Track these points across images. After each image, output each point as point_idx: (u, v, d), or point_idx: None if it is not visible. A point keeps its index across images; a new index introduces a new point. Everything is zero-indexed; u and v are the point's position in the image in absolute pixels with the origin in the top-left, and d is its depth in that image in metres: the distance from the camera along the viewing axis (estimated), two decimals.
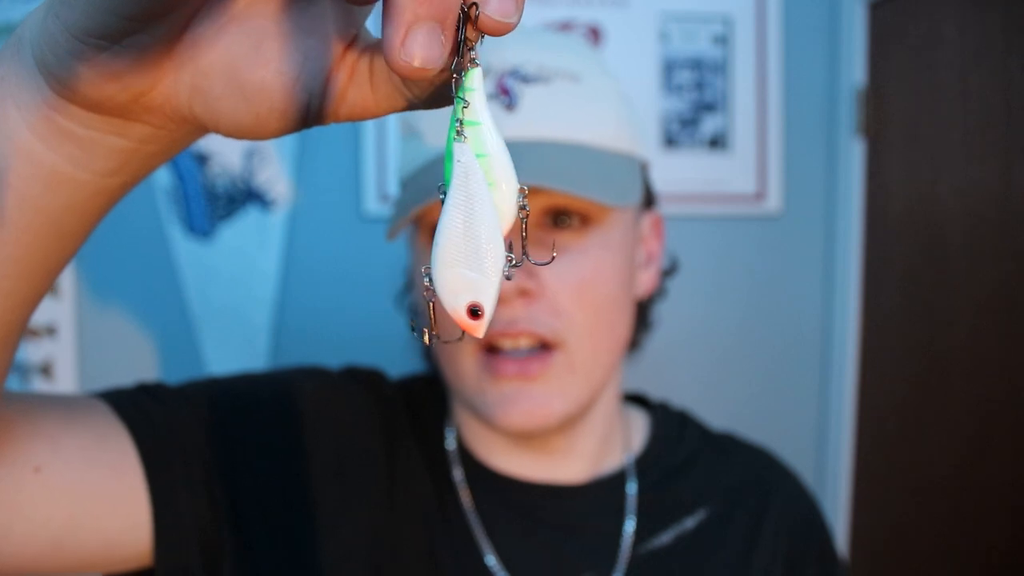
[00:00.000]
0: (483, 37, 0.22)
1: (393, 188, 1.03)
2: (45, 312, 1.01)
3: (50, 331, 1.01)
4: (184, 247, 1.02)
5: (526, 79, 0.50)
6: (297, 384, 0.57)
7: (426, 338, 0.26)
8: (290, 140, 1.02)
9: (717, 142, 1.05)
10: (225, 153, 1.02)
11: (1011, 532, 0.84)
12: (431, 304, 0.25)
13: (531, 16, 1.02)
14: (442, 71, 0.22)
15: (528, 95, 0.50)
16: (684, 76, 1.04)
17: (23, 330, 0.33)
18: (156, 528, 0.46)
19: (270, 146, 1.02)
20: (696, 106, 1.04)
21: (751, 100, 1.04)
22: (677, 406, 0.67)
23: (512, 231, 0.25)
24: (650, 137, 1.04)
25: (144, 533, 0.46)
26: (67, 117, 0.25)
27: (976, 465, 0.89)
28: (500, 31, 0.21)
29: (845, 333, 1.05)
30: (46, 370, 1.01)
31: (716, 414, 1.06)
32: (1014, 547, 0.84)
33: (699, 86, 1.04)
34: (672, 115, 1.04)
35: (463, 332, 0.25)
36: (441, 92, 0.24)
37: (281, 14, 0.24)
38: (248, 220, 1.03)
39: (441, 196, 0.25)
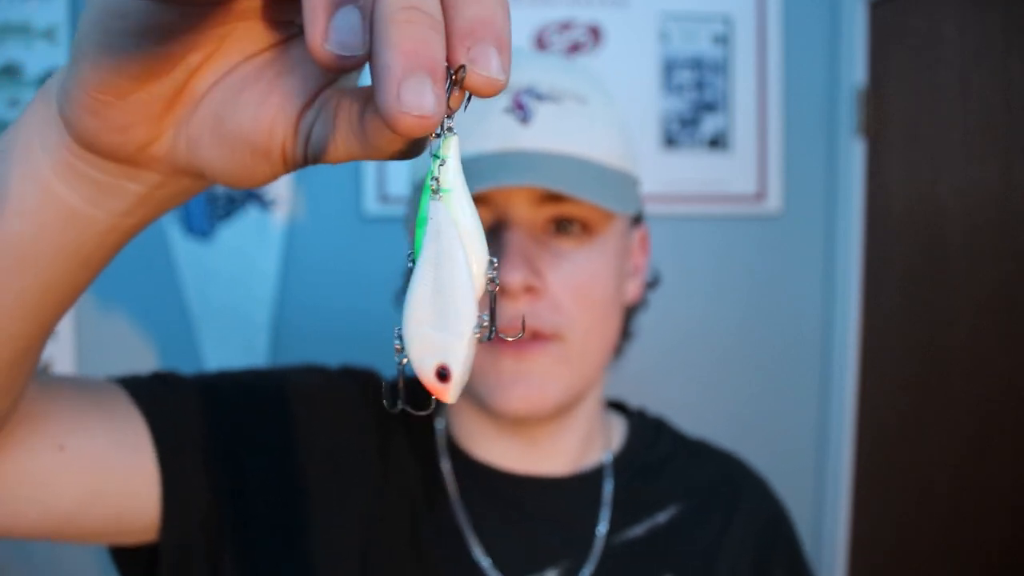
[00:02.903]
0: (468, 99, 0.22)
1: (393, 188, 1.03)
2: None
3: None
4: (183, 247, 1.02)
5: (540, 97, 0.55)
6: (298, 380, 0.60)
7: (395, 405, 0.25)
8: None
9: (717, 142, 1.05)
10: None
11: (1011, 532, 0.84)
12: (401, 366, 0.25)
13: (531, 16, 1.02)
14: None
15: (541, 111, 0.55)
16: (684, 76, 1.04)
17: (47, 338, 0.35)
18: (164, 509, 0.49)
19: None
20: (696, 106, 1.04)
21: (751, 100, 1.04)
22: (654, 413, 0.71)
23: (480, 304, 0.24)
24: (650, 137, 1.04)
25: (152, 512, 0.49)
26: (84, 162, 0.28)
27: (976, 465, 0.89)
28: (489, 91, 0.21)
29: (845, 333, 1.05)
30: (44, 371, 1.01)
31: (716, 414, 1.06)
32: (1014, 547, 0.84)
33: (699, 86, 1.04)
34: (672, 115, 1.04)
35: (432, 399, 0.24)
36: (401, 149, 0.24)
37: (262, 62, 0.26)
38: (247, 220, 1.02)
39: (410, 264, 0.24)
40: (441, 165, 0.23)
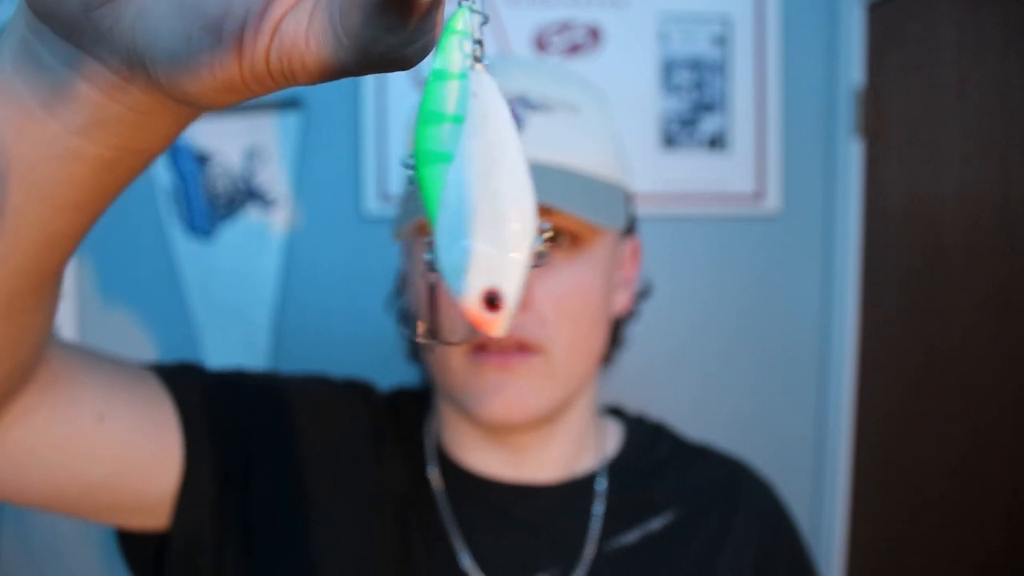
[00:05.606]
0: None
1: (393, 188, 1.03)
2: None
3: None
4: (185, 247, 1.03)
5: (532, 106, 0.55)
6: (306, 387, 0.62)
7: (421, 334, 0.21)
8: (290, 140, 1.02)
9: (716, 142, 1.05)
10: (225, 153, 1.02)
11: (1010, 533, 0.84)
12: (432, 291, 0.20)
13: (530, 17, 1.02)
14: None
15: (532, 121, 0.54)
16: (683, 76, 1.04)
17: (28, 292, 0.33)
18: (182, 490, 0.51)
19: (270, 146, 1.02)
20: (695, 106, 1.05)
21: (750, 100, 1.05)
22: (654, 418, 0.70)
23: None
24: (649, 137, 1.04)
25: (168, 490, 0.51)
26: (36, 37, 0.26)
27: (975, 466, 0.89)
28: None
29: (844, 333, 1.05)
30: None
31: (715, 414, 1.06)
32: (1013, 548, 0.83)
33: (698, 86, 1.04)
34: (671, 115, 1.05)
35: (472, 329, 0.19)
36: (379, 51, 0.21)
37: None
38: (248, 220, 1.03)
39: (408, 171, 0.19)
40: (484, 24, 0.19)
